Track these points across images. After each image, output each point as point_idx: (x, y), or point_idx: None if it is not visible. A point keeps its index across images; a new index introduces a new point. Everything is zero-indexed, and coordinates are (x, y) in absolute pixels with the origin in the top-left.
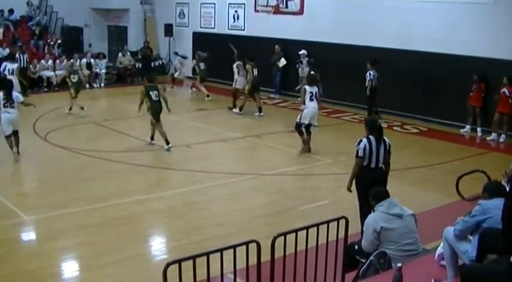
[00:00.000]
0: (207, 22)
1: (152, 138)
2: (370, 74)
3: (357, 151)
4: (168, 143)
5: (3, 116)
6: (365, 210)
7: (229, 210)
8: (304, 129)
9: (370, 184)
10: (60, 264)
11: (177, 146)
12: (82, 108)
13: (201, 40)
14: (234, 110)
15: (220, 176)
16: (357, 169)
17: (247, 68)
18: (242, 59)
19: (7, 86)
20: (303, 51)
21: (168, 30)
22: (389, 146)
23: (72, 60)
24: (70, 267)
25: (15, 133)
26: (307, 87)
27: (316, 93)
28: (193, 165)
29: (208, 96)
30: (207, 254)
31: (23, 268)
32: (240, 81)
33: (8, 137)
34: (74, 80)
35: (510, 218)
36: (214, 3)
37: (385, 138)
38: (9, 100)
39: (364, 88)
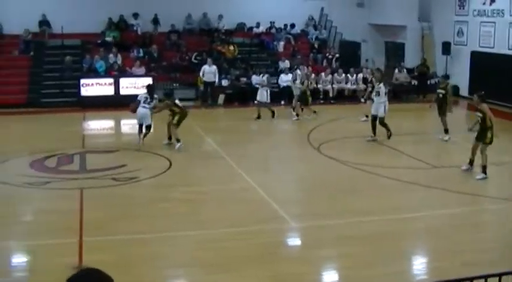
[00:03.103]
0: (486, 41)
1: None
2: None
3: None
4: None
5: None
6: None
7: (498, 237)
8: None
9: None
10: (321, 272)
11: (448, 166)
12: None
13: (479, 59)
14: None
15: (489, 201)
16: None
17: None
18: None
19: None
20: None
21: (446, 48)
22: None
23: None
24: (330, 276)
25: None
26: None
27: None
28: (463, 187)
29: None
30: (471, 279)
31: (287, 271)
32: None
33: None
34: None
35: None
36: (494, 22)
37: None
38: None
39: None
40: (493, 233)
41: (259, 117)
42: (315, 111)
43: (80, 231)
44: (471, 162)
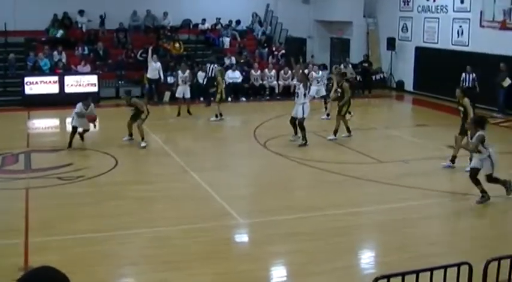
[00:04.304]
0: (431, 37)
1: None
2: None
3: None
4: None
5: None
6: None
7: (444, 230)
8: None
9: None
10: (270, 268)
11: (394, 161)
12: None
13: (423, 55)
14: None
15: (436, 194)
16: None
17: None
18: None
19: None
20: None
21: (391, 44)
22: None
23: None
24: (279, 272)
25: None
26: None
27: None
28: (410, 181)
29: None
30: (417, 272)
31: (236, 268)
32: None
33: None
34: None
35: None
36: (438, 18)
37: None
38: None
39: None
40: (441, 226)
41: (179, 114)
42: (221, 114)
43: (25, 232)
44: (453, 160)
